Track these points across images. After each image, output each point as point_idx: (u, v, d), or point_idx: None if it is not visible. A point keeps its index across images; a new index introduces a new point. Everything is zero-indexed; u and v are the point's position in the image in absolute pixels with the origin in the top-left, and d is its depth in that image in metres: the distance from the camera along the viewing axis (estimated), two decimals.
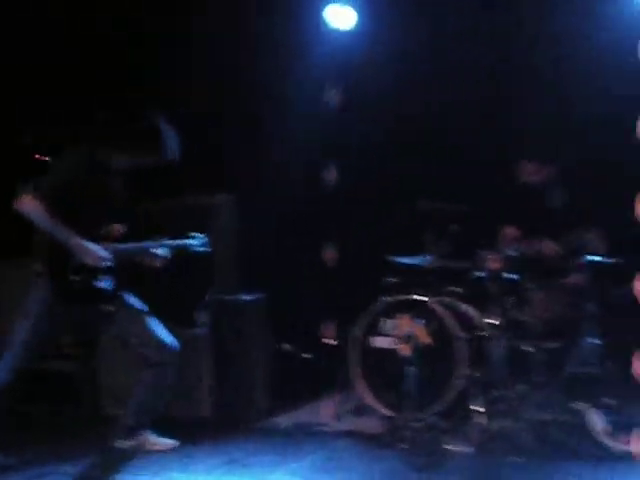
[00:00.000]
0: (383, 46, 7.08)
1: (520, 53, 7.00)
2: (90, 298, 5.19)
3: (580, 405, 5.48)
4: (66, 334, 6.22)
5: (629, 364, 6.20)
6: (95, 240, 5.09)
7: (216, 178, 7.10)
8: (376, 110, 7.23)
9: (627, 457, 5.02)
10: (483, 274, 6.33)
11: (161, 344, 5.31)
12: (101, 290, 5.19)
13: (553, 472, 4.88)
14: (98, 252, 5.07)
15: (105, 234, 5.21)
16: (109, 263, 5.15)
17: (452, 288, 6.50)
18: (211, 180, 7.02)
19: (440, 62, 7.14)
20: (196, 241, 5.55)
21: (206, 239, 5.58)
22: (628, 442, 5.14)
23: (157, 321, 5.39)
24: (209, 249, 5.62)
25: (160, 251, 5.38)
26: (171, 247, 5.45)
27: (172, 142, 5.29)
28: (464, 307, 6.37)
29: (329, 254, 7.32)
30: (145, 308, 5.41)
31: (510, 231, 6.64)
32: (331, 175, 7.41)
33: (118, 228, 5.28)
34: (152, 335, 5.31)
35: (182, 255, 5.58)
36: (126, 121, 5.33)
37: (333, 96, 7.31)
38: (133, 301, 5.40)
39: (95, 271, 5.11)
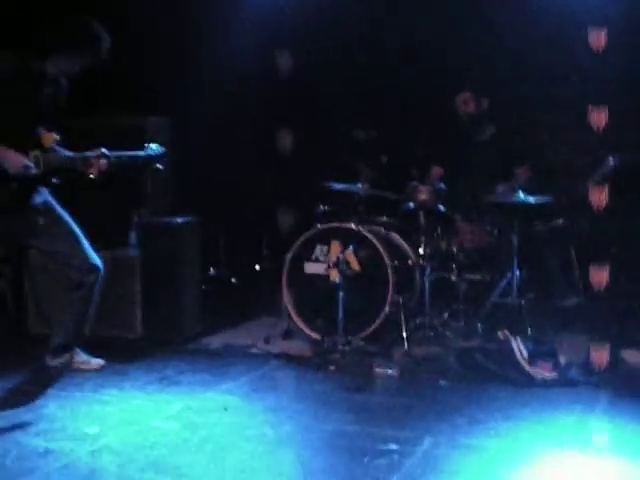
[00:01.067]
0: None
1: None
2: (17, 208, 5.09)
3: (503, 333, 5.68)
4: None
5: (548, 296, 6.48)
6: (25, 148, 4.98)
7: (150, 99, 7.04)
8: (317, 43, 7.24)
9: (545, 383, 5.26)
10: (412, 205, 6.49)
11: (86, 265, 5.26)
12: (29, 200, 5.10)
13: (475, 394, 5.07)
14: (21, 160, 4.97)
15: (37, 141, 5.09)
16: (34, 172, 5.03)
17: (382, 217, 6.65)
18: (145, 101, 6.96)
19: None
20: (153, 153, 5.28)
21: (163, 151, 5.29)
22: (547, 369, 5.39)
23: (85, 239, 5.32)
24: (164, 164, 5.35)
25: (102, 162, 5.25)
26: (124, 157, 5.31)
27: (105, 43, 5.21)
28: (393, 236, 6.52)
29: (265, 180, 7.36)
30: (74, 225, 5.33)
31: (437, 169, 6.83)
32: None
33: (52, 136, 5.15)
34: (79, 255, 5.25)
35: (131, 167, 5.43)
36: (60, 25, 5.22)
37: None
38: (63, 215, 5.25)
39: (22, 180, 4.99)
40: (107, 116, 6.59)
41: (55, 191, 5.33)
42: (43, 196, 5.15)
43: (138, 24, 7.13)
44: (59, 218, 5.24)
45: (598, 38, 5.40)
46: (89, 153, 5.12)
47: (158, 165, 5.31)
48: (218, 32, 7.12)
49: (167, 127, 6.81)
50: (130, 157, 5.30)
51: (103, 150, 5.11)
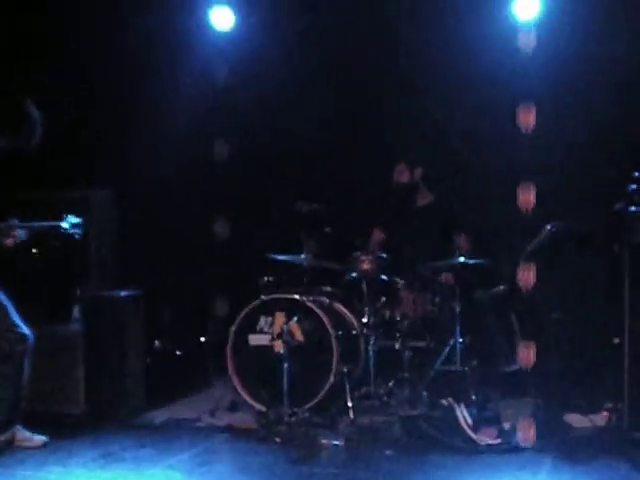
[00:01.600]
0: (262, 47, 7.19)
1: (389, 58, 7.25)
2: None
3: (447, 401, 5.73)
4: None
5: (491, 362, 6.55)
6: None
7: (92, 172, 7.09)
8: (257, 115, 7.36)
9: (489, 449, 5.31)
10: (356, 275, 6.56)
11: (14, 335, 5.26)
12: None
13: (420, 463, 5.09)
14: None
15: None
16: None
17: (326, 287, 6.70)
18: (87, 174, 7.01)
19: (317, 67, 7.33)
20: (66, 223, 5.43)
21: (78, 221, 5.45)
22: (491, 435, 5.44)
23: (13, 309, 5.31)
24: (80, 232, 5.48)
25: (17, 232, 5.26)
26: (36, 228, 5.38)
27: (38, 127, 5.26)
28: (337, 306, 6.58)
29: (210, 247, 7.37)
30: (1, 295, 5.32)
31: (377, 234, 6.94)
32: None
33: None
34: (6, 324, 5.26)
35: (51, 237, 5.49)
36: None
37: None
38: None
39: None
40: (51, 189, 6.60)
41: None
42: None
43: (86, 99, 7.23)
44: None
45: (527, 116, 5.56)
46: (8, 224, 5.18)
47: (75, 234, 5.40)
48: (160, 111, 7.21)
49: (111, 200, 6.84)
50: (43, 227, 5.37)
51: (15, 221, 5.17)
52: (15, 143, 5.25)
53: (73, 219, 5.44)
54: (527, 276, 5.60)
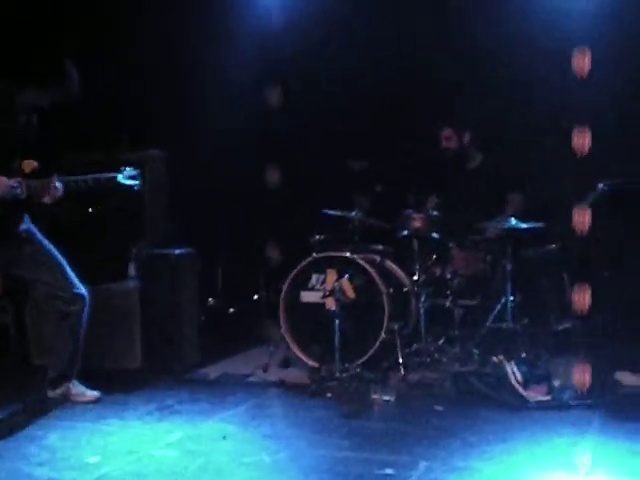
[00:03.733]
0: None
1: (440, 23, 7.20)
2: (3, 235, 5.15)
3: (497, 358, 5.76)
4: None
5: (542, 320, 6.55)
6: (4, 174, 5.08)
7: (148, 133, 7.17)
8: (310, 74, 7.38)
9: (540, 406, 5.33)
10: (407, 232, 6.58)
11: (70, 295, 5.36)
12: (15, 227, 5.18)
13: (470, 418, 5.13)
14: (5, 182, 5.02)
15: (16, 169, 5.15)
16: (20, 193, 5.08)
17: (378, 245, 6.74)
18: (142, 135, 7.09)
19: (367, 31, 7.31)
20: (122, 175, 5.50)
21: (134, 173, 5.52)
22: (541, 392, 5.46)
23: (69, 268, 5.41)
24: (138, 184, 5.56)
25: (58, 184, 5.26)
26: (91, 180, 5.41)
27: (74, 82, 5.33)
28: (388, 263, 6.62)
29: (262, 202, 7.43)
30: (57, 254, 5.41)
31: (432, 199, 6.94)
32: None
33: (31, 163, 5.20)
34: (62, 284, 5.35)
35: (110, 193, 5.54)
36: (30, 59, 5.36)
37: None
38: (46, 244, 5.36)
39: (7, 205, 5.06)
40: (106, 150, 6.69)
41: (54, 224, 5.46)
42: (26, 224, 5.26)
43: (137, 59, 7.29)
44: (42, 247, 5.35)
45: (582, 61, 5.47)
46: (38, 181, 5.21)
47: (133, 186, 5.47)
48: (211, 65, 7.26)
49: (164, 160, 6.93)
50: (100, 180, 5.43)
51: (56, 177, 5.23)
52: (58, 97, 5.32)
53: (129, 171, 5.52)
54: (582, 220, 5.54)
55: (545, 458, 4.43)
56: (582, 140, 5.45)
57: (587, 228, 5.55)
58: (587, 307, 5.55)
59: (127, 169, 5.52)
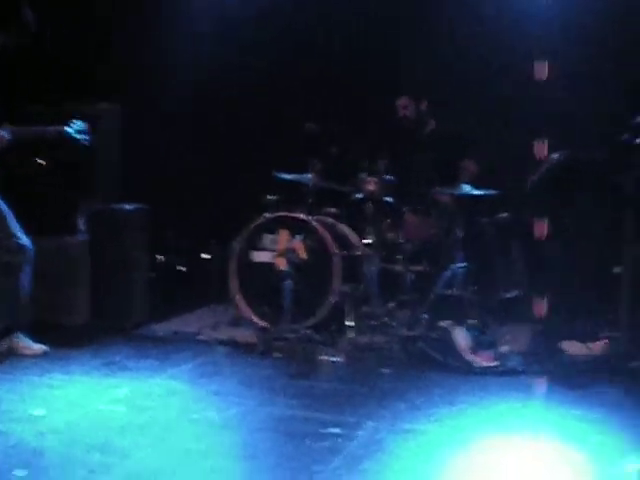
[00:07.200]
0: None
1: None
2: None
3: (446, 323, 5.80)
4: None
5: (492, 288, 6.60)
6: None
7: (100, 86, 7.07)
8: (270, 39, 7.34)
9: (487, 371, 5.39)
10: (361, 196, 6.58)
11: (14, 245, 5.30)
12: None
13: (417, 381, 5.18)
14: None
15: None
16: None
17: (331, 208, 6.73)
18: (94, 87, 6.99)
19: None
20: (71, 128, 5.44)
21: (84, 127, 5.46)
22: (488, 358, 5.52)
23: (13, 219, 5.33)
24: (87, 138, 5.50)
25: (3, 132, 5.21)
26: (39, 132, 5.38)
27: (29, 22, 5.23)
28: (341, 226, 6.62)
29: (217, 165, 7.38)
30: (2, 204, 5.33)
31: (382, 161, 6.93)
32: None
33: None
34: (5, 234, 5.29)
35: (58, 145, 5.47)
36: None
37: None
38: None
39: None
40: (59, 103, 6.57)
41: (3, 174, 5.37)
42: None
43: (91, 12, 7.18)
44: None
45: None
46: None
47: (82, 140, 5.40)
48: (171, 23, 7.17)
49: (119, 114, 6.84)
50: (48, 132, 5.36)
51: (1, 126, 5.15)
52: (12, 39, 5.21)
53: (79, 125, 5.44)
54: (541, 228, 5.64)
55: (490, 422, 4.48)
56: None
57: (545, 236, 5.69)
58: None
59: (77, 122, 5.45)
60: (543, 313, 5.80)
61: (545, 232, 5.98)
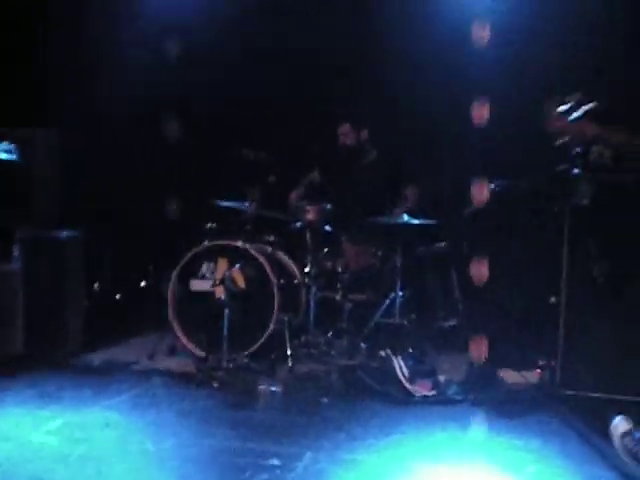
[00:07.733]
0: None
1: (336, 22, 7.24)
2: None
3: (385, 352, 5.81)
4: None
5: (429, 317, 6.65)
6: None
7: (38, 111, 6.98)
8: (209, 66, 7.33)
9: (425, 400, 5.40)
10: (300, 224, 6.58)
11: None
12: None
13: (356, 411, 5.16)
14: None
15: None
16: None
17: (270, 236, 6.72)
18: (32, 113, 6.90)
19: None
20: None
21: (9, 147, 5.45)
22: (426, 387, 5.53)
23: None
24: (15, 156, 5.46)
25: None
26: None
27: None
28: (280, 254, 6.61)
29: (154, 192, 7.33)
30: None
31: (314, 174, 6.97)
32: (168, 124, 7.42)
33: None
34: None
35: None
36: None
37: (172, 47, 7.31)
38: None
39: None
40: None
41: None
42: None
43: (31, 35, 7.11)
44: None
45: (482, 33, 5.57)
46: None
47: (10, 160, 5.34)
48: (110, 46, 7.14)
49: (56, 140, 6.74)
50: None
51: None
52: None
53: (4, 145, 5.39)
54: (480, 271, 5.72)
55: (429, 452, 4.48)
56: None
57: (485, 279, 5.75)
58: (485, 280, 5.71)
59: (2, 143, 5.39)
60: (480, 347, 5.86)
61: (483, 266, 6.06)
